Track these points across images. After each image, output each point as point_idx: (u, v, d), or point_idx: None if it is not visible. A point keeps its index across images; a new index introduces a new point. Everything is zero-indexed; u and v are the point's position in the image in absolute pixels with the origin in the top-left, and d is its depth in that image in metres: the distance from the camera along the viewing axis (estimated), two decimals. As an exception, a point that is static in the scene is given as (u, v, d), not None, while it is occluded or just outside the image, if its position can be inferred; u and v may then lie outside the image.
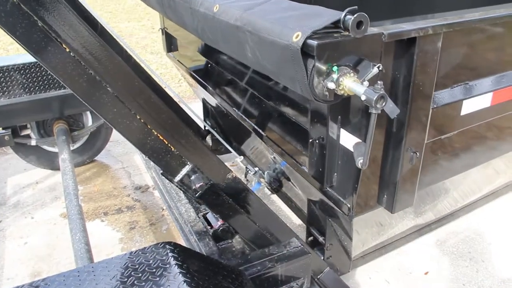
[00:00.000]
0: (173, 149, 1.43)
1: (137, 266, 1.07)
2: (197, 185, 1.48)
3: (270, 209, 1.71)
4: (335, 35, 1.11)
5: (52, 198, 3.02)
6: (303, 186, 1.95)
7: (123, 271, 1.06)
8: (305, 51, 1.08)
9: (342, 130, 1.45)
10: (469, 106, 1.69)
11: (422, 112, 1.49)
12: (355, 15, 1.05)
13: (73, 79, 1.22)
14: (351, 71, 1.10)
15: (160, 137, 1.40)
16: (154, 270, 1.06)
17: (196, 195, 1.50)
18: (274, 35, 1.16)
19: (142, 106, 1.34)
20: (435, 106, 1.56)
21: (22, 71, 2.84)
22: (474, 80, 1.70)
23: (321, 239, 2.05)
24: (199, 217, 1.81)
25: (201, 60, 2.59)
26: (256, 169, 2.14)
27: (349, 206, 1.58)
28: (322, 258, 1.98)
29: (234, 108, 2.22)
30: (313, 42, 1.05)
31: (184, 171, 1.47)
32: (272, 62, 1.23)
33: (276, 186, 2.23)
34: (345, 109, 1.41)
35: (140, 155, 2.55)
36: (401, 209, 1.66)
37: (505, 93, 1.81)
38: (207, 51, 2.42)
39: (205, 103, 3.10)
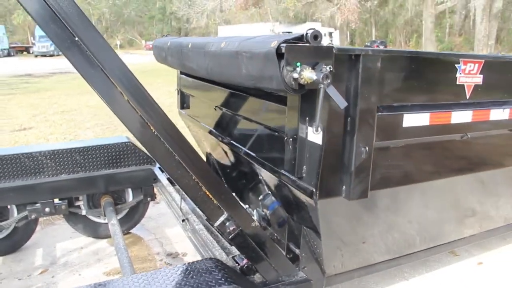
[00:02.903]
0: (215, 202, 2.02)
1: (194, 270, 1.62)
2: (230, 229, 2.04)
3: (282, 252, 2.24)
4: (300, 44, 1.74)
5: (96, 260, 3.55)
6: (283, 196, 2.43)
7: (185, 271, 1.61)
8: (279, 52, 1.71)
9: (309, 128, 1.99)
10: (409, 120, 2.18)
11: (369, 115, 2.00)
12: (313, 31, 1.70)
13: (157, 152, 1.86)
14: (310, 68, 1.71)
15: (207, 192, 1.99)
16: (205, 272, 1.61)
17: (229, 237, 2.06)
18: (260, 48, 1.81)
19: (195, 169, 1.95)
20: (379, 113, 2.05)
21: (80, 152, 3.51)
22: (412, 98, 2.20)
23: (297, 251, 2.43)
24: (229, 258, 2.33)
25: (207, 113, 3.35)
26: (247, 206, 2.63)
27: (313, 190, 2.02)
28: (298, 269, 2.36)
29: (232, 142, 2.87)
30: (283, 45, 1.70)
31: (221, 218, 2.04)
32: (258, 69, 1.87)
33: (265, 223, 2.72)
34: (311, 113, 1.94)
35: (178, 222, 3.09)
36: (357, 197, 2.06)
37: (441, 117, 2.31)
38: (213, 104, 3.16)
39: (208, 157, 3.84)
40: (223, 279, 1.60)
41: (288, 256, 2.49)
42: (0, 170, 3.23)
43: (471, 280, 3.29)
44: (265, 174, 2.55)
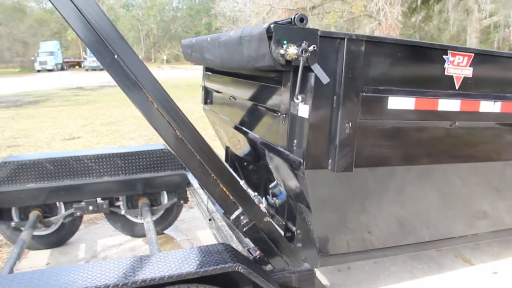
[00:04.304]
0: (231, 198, 2.30)
1: (207, 251, 1.92)
2: (244, 222, 2.32)
3: (290, 245, 2.51)
4: (288, 25, 2.02)
5: (132, 256, 3.89)
6: (281, 174, 2.63)
7: (200, 252, 1.90)
8: (269, 31, 2.00)
9: (299, 105, 2.20)
10: (394, 103, 2.31)
11: (353, 94, 2.18)
12: (299, 14, 1.99)
13: (182, 153, 2.17)
14: (295, 46, 1.98)
15: (224, 189, 2.28)
16: (216, 252, 1.90)
17: (243, 230, 2.34)
18: (256, 31, 2.12)
19: (214, 168, 2.25)
20: (363, 93, 2.21)
21: (122, 157, 3.88)
22: (397, 83, 2.32)
23: (293, 229, 2.61)
24: (244, 249, 2.61)
25: (224, 103, 3.71)
26: (256, 193, 2.84)
27: (301, 161, 2.24)
28: (293, 246, 2.56)
29: (244, 129, 3.14)
30: (272, 25, 1.99)
31: (237, 212, 2.32)
32: (254, 49, 2.17)
33: (273, 211, 2.94)
34: (301, 90, 2.13)
35: (205, 221, 3.40)
36: (341, 170, 2.23)
37: (427, 103, 2.42)
38: (228, 94, 3.48)
39: (227, 150, 4.18)
40: (229, 259, 1.89)
41: (286, 235, 2.68)
42: (52, 171, 3.65)
43: (484, 288, 3.42)
44: (269, 157, 2.76)
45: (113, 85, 23.45)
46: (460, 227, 3.14)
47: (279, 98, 2.44)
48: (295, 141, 2.32)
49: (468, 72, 2.52)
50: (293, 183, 2.55)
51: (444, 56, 2.42)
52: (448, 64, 2.44)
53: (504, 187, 3.16)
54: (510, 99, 2.71)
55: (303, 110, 2.21)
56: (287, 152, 2.39)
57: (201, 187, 3.71)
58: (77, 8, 1.90)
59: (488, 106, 2.62)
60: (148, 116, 2.09)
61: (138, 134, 9.74)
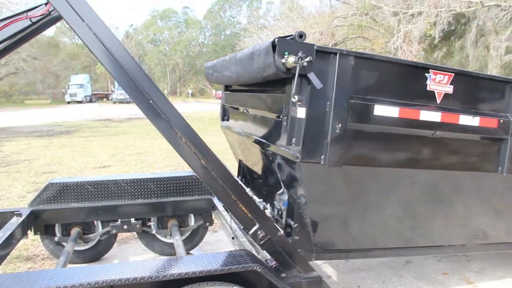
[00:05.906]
0: (249, 215, 2.71)
1: (231, 255, 2.32)
2: (261, 237, 2.71)
3: (302, 256, 2.88)
4: (290, 40, 2.42)
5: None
6: (283, 173, 2.95)
7: (224, 255, 2.31)
8: (274, 45, 2.40)
9: (298, 108, 2.55)
10: (380, 110, 2.62)
11: (343, 100, 2.54)
12: (299, 31, 2.40)
13: (207, 179, 2.60)
14: (294, 56, 2.37)
15: (243, 208, 2.69)
16: (238, 256, 2.30)
17: (260, 243, 2.73)
18: (264, 45, 2.52)
19: (234, 191, 2.66)
20: (352, 100, 2.55)
21: (154, 182, 4.33)
22: (382, 93, 2.64)
23: (292, 223, 2.90)
24: (262, 261, 2.98)
25: (240, 120, 4.09)
26: (260, 200, 3.14)
27: (298, 155, 2.58)
28: (291, 240, 2.87)
29: (253, 136, 3.49)
30: (276, 40, 2.39)
31: (254, 228, 2.72)
32: (262, 60, 2.57)
33: (278, 215, 3.26)
34: (299, 94, 2.48)
35: (229, 239, 3.79)
36: (332, 165, 2.56)
37: (409, 112, 2.71)
38: (242, 108, 3.86)
39: (240, 163, 4.54)
40: (249, 260, 2.30)
41: (286, 231, 2.98)
42: (92, 192, 4.12)
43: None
44: (274, 158, 3.07)
45: (139, 118, 24.30)
46: (445, 235, 3.37)
47: (282, 104, 2.76)
48: (293, 139, 2.62)
49: (449, 89, 2.83)
50: (291, 177, 2.87)
51: (426, 74, 2.76)
52: (430, 81, 2.77)
53: (490, 200, 3.39)
54: (488, 115, 2.99)
55: (301, 112, 2.57)
56: (287, 150, 2.74)
57: (225, 209, 4.11)
58: (121, 67, 2.43)
59: (468, 120, 2.90)
60: (177, 149, 2.55)
61: (165, 164, 10.24)
